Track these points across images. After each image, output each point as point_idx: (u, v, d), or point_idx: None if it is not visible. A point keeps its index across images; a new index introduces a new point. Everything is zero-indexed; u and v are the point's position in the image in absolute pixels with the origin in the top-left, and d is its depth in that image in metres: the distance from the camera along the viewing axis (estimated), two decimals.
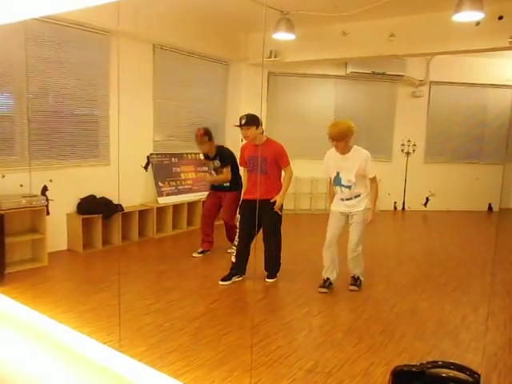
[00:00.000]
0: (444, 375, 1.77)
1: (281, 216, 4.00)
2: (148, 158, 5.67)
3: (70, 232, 4.77)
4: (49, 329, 2.97)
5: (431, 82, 7.68)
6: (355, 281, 3.92)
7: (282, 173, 4.05)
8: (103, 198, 4.88)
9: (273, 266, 4.14)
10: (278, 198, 3.91)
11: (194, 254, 4.80)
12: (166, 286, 3.89)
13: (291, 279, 4.21)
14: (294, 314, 3.36)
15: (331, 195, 3.93)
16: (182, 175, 6.05)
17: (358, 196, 3.73)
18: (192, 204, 6.00)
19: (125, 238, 5.22)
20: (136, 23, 4.85)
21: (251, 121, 3.83)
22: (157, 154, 5.77)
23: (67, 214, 4.76)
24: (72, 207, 4.77)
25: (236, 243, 4.13)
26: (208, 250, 4.88)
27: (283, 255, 4.16)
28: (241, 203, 4.19)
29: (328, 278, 3.88)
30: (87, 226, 4.78)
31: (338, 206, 3.84)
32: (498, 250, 4.89)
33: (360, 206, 3.74)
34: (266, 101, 7.07)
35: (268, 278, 4.10)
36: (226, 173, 4.64)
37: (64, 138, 4.71)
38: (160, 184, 5.71)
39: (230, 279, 3.98)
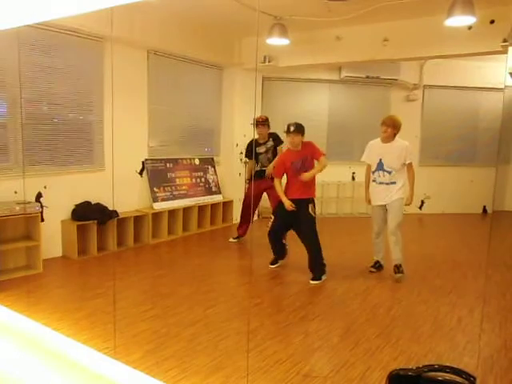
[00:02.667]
0: (440, 379, 1.77)
1: (315, 217, 4.24)
2: (143, 163, 5.66)
3: (64, 238, 4.75)
4: (43, 336, 2.94)
5: (425, 86, 7.73)
6: (398, 268, 4.23)
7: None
8: (98, 204, 4.87)
9: (316, 266, 4.19)
10: (308, 174, 4.16)
11: (230, 240, 5.64)
12: (161, 291, 3.88)
13: (287, 283, 4.21)
14: (290, 319, 3.35)
15: (367, 182, 4.40)
16: (177, 180, 6.04)
17: (394, 183, 4.19)
18: (187, 209, 5.99)
19: (120, 244, 5.20)
20: (130, 29, 4.86)
21: (299, 129, 4.23)
22: (152, 160, 5.76)
23: (62, 221, 4.74)
24: (67, 214, 4.75)
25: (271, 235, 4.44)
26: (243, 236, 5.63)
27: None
28: (279, 203, 4.35)
29: (378, 261, 4.47)
30: (82, 233, 4.76)
31: (376, 198, 4.30)
32: (493, 252, 4.92)
33: (395, 195, 4.19)
34: (261, 105, 7.09)
35: (312, 280, 4.14)
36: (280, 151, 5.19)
37: (58, 144, 4.70)
38: (155, 189, 5.70)
39: (276, 263, 4.55)
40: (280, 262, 4.58)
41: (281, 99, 7.38)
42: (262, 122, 5.29)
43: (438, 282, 4.26)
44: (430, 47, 5.05)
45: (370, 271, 4.45)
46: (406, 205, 4.22)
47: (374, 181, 4.32)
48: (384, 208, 4.30)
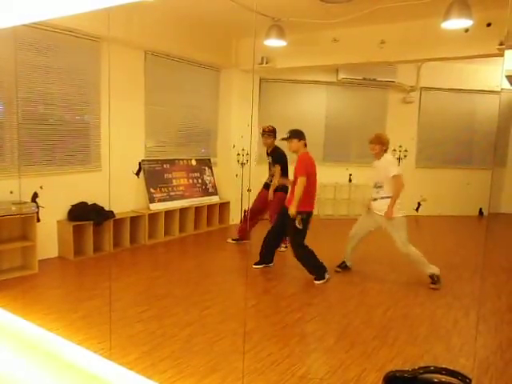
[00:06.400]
0: (436, 380, 1.77)
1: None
2: (140, 164, 5.65)
3: (60, 239, 4.73)
4: (39, 337, 2.93)
5: (422, 88, 7.75)
6: (432, 279, 4.16)
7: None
8: (94, 205, 4.85)
9: (313, 271, 4.27)
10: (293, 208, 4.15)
11: (228, 240, 5.61)
12: (158, 292, 3.87)
13: (284, 285, 4.21)
14: (287, 320, 3.35)
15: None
16: (174, 181, 6.03)
17: (388, 197, 4.15)
18: (184, 210, 5.98)
19: (116, 244, 5.18)
20: (127, 29, 4.85)
21: (293, 134, 4.33)
22: (148, 161, 5.75)
23: (58, 221, 4.72)
24: (63, 214, 4.74)
25: (267, 239, 4.52)
26: (243, 240, 5.56)
27: (277, 260, 4.15)
28: (283, 210, 4.39)
29: (344, 261, 4.54)
30: (78, 233, 4.74)
31: (373, 208, 4.29)
32: (488, 254, 4.93)
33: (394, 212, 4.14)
34: (258, 107, 7.09)
35: (316, 280, 4.22)
36: (276, 172, 5.10)
37: (55, 144, 4.68)
38: (152, 190, 5.68)
39: (260, 264, 4.54)
40: (263, 266, 4.54)
41: (278, 101, 7.38)
42: (267, 132, 5.23)
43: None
44: (426, 50, 5.06)
45: (336, 271, 4.47)
46: (385, 217, 4.13)
47: (372, 198, 4.33)
48: (372, 218, 4.28)
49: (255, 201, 5.44)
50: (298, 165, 4.28)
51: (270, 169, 5.31)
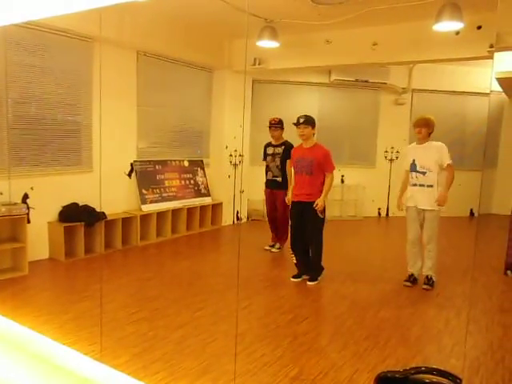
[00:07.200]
0: (427, 381, 1.78)
1: (323, 219, 4.15)
2: (132, 165, 5.62)
3: (51, 240, 4.69)
4: (29, 339, 2.90)
5: (413, 90, 7.79)
6: (428, 280, 4.12)
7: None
8: (86, 206, 4.82)
9: (315, 268, 4.20)
10: (319, 201, 4.06)
11: (266, 247, 5.24)
12: (149, 294, 3.85)
13: (276, 286, 4.20)
14: (279, 322, 3.35)
15: (402, 188, 4.28)
16: (166, 182, 6.01)
17: (430, 187, 4.06)
18: (176, 211, 5.96)
19: (108, 246, 5.15)
20: (119, 30, 4.83)
21: (308, 121, 4.13)
22: (140, 161, 5.73)
23: (49, 222, 4.68)
24: (54, 215, 4.70)
25: (291, 246, 4.33)
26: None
27: (269, 261, 4.15)
28: (291, 206, 4.34)
29: (412, 274, 4.22)
30: (69, 234, 4.71)
31: (410, 200, 4.16)
32: (479, 254, 4.96)
33: (432, 204, 4.05)
34: (251, 108, 7.09)
35: (309, 281, 4.15)
36: (288, 169, 4.93)
37: (46, 144, 4.64)
38: (144, 191, 5.66)
39: (299, 277, 4.24)
40: (303, 277, 4.26)
41: (271, 102, 7.39)
42: (274, 125, 5.20)
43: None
44: (418, 52, 5.09)
45: (404, 285, 4.17)
46: (438, 205, 4.05)
47: (410, 184, 4.19)
48: (420, 212, 4.14)
49: (268, 206, 5.34)
50: (325, 158, 4.12)
51: (273, 160, 5.21)
